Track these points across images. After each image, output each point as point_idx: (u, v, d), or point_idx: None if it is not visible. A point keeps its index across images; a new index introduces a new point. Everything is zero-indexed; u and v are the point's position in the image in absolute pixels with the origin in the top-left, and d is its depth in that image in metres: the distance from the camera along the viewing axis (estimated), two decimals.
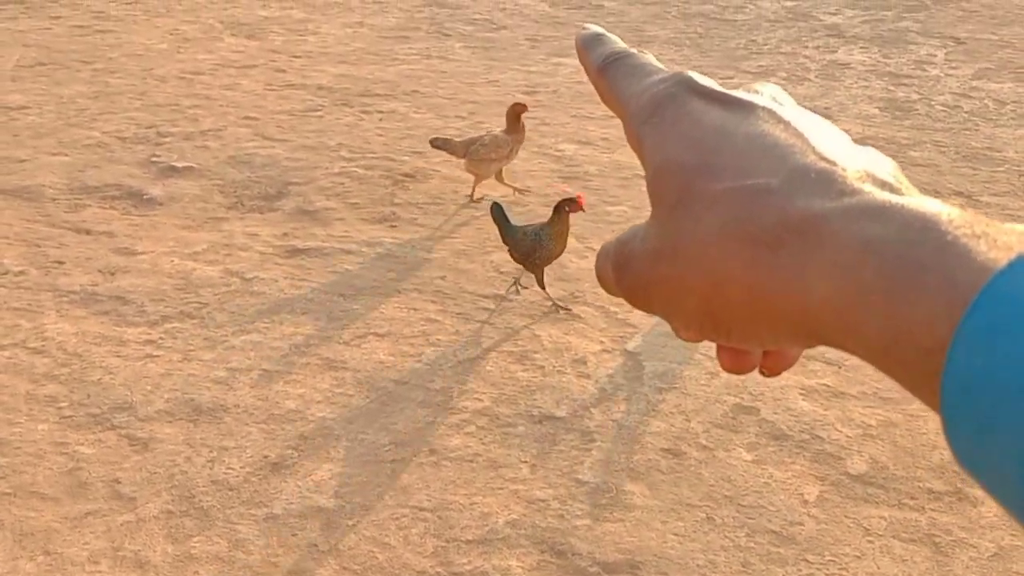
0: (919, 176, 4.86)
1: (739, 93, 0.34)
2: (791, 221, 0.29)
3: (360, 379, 3.19)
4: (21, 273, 3.85)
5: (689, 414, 3.03)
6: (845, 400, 3.11)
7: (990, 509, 2.65)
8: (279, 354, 3.33)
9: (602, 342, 3.41)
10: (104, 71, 6.31)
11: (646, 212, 4.23)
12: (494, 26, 7.45)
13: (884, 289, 0.27)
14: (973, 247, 0.26)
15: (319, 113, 5.62)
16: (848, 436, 2.95)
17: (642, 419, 3.02)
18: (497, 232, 3.73)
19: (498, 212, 3.63)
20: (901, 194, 0.29)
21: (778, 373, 0.36)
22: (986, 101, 5.91)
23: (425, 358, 3.31)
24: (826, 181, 0.29)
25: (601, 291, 3.72)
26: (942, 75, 6.38)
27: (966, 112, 5.74)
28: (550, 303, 3.62)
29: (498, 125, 5.38)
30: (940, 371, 0.26)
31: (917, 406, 3.08)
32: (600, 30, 0.39)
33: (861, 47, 6.97)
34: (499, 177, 4.44)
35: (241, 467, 2.80)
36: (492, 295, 3.71)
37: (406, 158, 4.97)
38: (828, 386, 3.19)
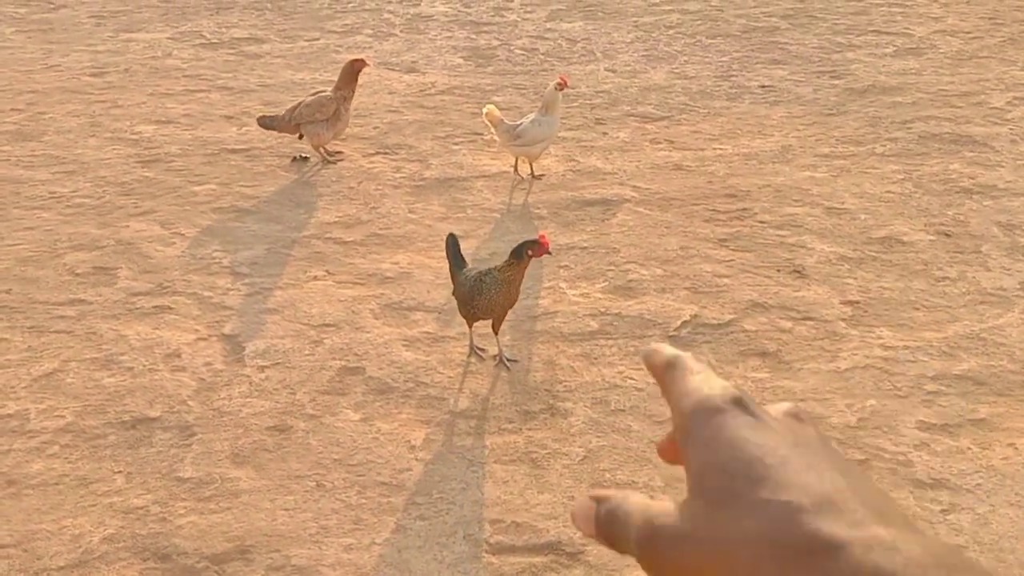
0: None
1: (774, 411, 0.41)
2: (819, 542, 0.34)
3: None
4: None
5: (294, 387, 2.99)
6: (445, 343, 3.23)
7: (578, 418, 2.88)
8: None
9: (197, 330, 3.25)
10: None
11: (235, 189, 4.07)
12: (51, 5, 6.77)
13: None
14: None
15: None
16: (450, 377, 3.06)
17: (245, 402, 2.93)
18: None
19: (452, 243, 3.14)
20: (892, 526, 0.35)
21: None
22: (559, 41, 6.37)
23: None
24: (845, 511, 0.35)
25: (192, 276, 3.54)
26: (519, 20, 6.77)
27: (542, 54, 6.14)
28: (469, 351, 3.19)
29: (62, 113, 4.93)
30: None
31: (512, 335, 3.26)
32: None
33: None
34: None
35: None
36: (68, 300, 3.39)
37: None
38: (429, 333, 3.28)
